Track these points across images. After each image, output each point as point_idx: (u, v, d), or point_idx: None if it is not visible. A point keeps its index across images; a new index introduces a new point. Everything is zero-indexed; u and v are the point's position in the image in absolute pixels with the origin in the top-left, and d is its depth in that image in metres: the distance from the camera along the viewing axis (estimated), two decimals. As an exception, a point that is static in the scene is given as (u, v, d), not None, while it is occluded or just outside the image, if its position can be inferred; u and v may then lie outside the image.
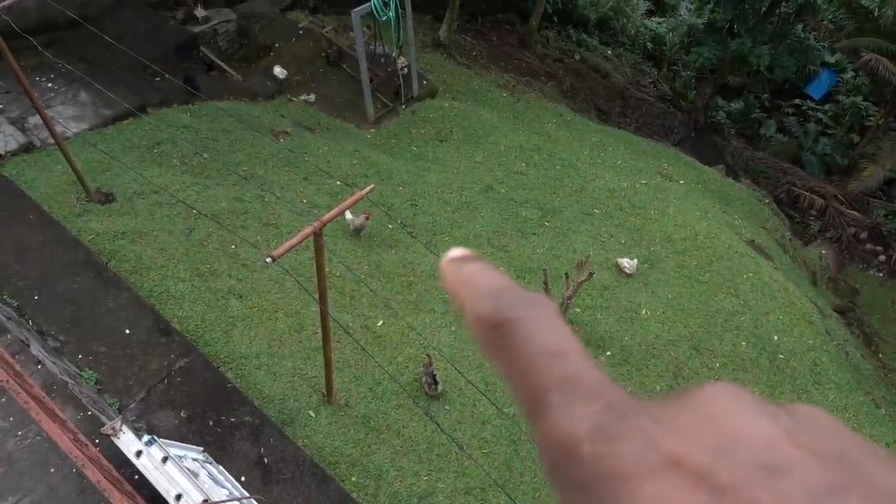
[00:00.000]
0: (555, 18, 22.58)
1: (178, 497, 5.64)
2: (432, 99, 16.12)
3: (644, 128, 20.87)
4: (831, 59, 23.47)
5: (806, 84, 24.12)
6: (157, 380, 8.01)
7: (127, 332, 8.40)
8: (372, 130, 15.11)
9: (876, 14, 19.35)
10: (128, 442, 5.95)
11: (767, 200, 18.14)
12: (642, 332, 11.18)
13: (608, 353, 10.67)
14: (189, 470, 6.01)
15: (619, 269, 12.16)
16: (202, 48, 14.93)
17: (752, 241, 14.69)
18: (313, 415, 8.39)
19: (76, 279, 8.84)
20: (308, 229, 5.87)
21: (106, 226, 9.68)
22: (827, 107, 23.41)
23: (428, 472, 8.36)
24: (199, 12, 15.19)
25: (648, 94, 23.02)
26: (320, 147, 13.23)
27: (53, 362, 7.37)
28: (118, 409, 7.59)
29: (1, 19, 7.71)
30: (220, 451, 7.51)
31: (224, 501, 6.17)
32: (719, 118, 23.21)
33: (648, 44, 25.75)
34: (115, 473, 5.77)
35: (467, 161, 14.35)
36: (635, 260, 12.21)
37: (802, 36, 19.28)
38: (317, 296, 6.88)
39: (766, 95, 24.07)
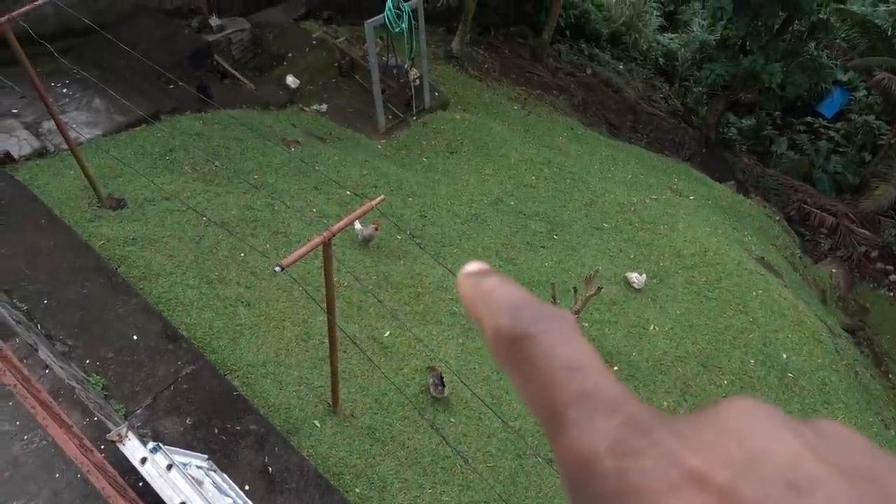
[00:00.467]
0: (567, 32, 22.64)
1: (182, 505, 5.63)
2: (444, 110, 16.17)
3: (655, 143, 20.85)
4: (844, 78, 23.42)
5: (818, 102, 24.06)
6: (163, 386, 8.02)
7: (135, 338, 8.42)
8: (383, 141, 15.15)
9: (889, 33, 19.34)
10: (133, 448, 5.95)
11: (778, 218, 18.06)
12: (650, 347, 11.13)
13: (615, 368, 10.62)
14: (193, 478, 6.00)
15: (628, 283, 12.12)
16: (216, 57, 15.03)
17: (762, 258, 14.62)
18: (319, 425, 8.37)
19: (86, 284, 8.88)
20: (317, 239, 5.87)
21: (116, 232, 9.73)
22: (839, 125, 23.33)
23: (432, 484, 8.32)
24: (214, 21, 15.31)
25: (660, 110, 23.02)
26: (331, 157, 13.27)
27: (61, 367, 7.39)
28: (124, 415, 7.60)
29: (18, 25, 7.79)
30: (224, 459, 7.50)
31: (227, 510, 6.16)
32: (731, 134, 23.16)
33: (660, 59, 25.77)
34: (120, 480, 5.77)
35: (477, 173, 14.36)
36: (644, 275, 12.17)
37: (815, 54, 19.26)
38: (324, 305, 6.88)
39: (777, 113, 24.02)
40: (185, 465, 6.21)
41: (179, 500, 5.62)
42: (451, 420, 9.12)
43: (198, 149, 11.85)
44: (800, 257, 17.08)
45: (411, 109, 15.66)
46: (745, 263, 13.33)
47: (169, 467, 5.86)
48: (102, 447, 6.44)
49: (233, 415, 7.95)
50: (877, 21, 19.80)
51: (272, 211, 11.10)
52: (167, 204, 10.37)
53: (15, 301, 8.45)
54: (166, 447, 6.16)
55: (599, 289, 10.03)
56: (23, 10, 7.76)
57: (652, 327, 11.47)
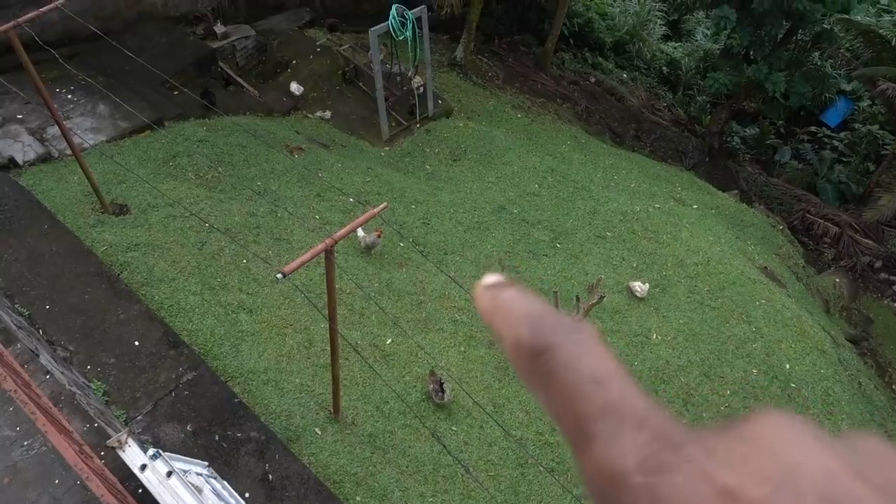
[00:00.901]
0: (571, 41, 22.67)
1: (182, 512, 5.61)
2: (447, 118, 16.19)
3: (658, 151, 20.85)
4: (848, 87, 23.39)
5: (822, 111, 24.04)
6: (164, 392, 8.01)
7: (136, 343, 8.42)
8: (386, 148, 15.17)
9: (893, 44, 19.32)
10: (133, 455, 5.93)
11: (781, 227, 18.02)
12: (652, 357, 11.09)
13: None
14: (193, 485, 5.98)
15: (631, 292, 12.10)
16: (220, 64, 15.09)
17: (765, 267, 14.59)
18: (319, 432, 8.35)
19: (88, 290, 8.88)
20: (320, 246, 5.87)
21: (119, 237, 9.74)
22: (843, 135, 23.30)
23: (433, 493, 8.29)
24: (219, 28, 15.37)
25: (663, 118, 23.02)
26: (334, 164, 13.29)
27: (62, 373, 7.39)
28: (125, 421, 7.59)
29: (24, 31, 7.82)
30: (225, 466, 7.48)
31: (227, 518, 6.14)
32: (734, 143, 23.15)
33: (664, 68, 25.79)
34: (120, 487, 5.75)
35: (480, 181, 14.37)
36: (647, 284, 12.15)
37: (819, 63, 19.25)
38: (326, 312, 6.87)
39: (781, 122, 23.98)
40: (185, 472, 6.20)
41: (179, 508, 5.61)
42: (453, 428, 9.09)
43: (201, 155, 11.88)
44: (803, 267, 17.03)
45: (415, 117, 15.69)
46: (748, 273, 13.30)
47: (169, 474, 5.84)
48: (102, 453, 6.43)
49: (233, 422, 7.93)
50: (881, 31, 19.78)
51: (275, 218, 11.11)
52: (170, 210, 10.39)
53: (17, 306, 8.46)
54: (166, 454, 6.15)
55: (602, 297, 10.01)
56: (28, 16, 7.80)
57: (654, 336, 11.44)
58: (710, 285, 12.72)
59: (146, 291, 9.12)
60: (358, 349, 8.89)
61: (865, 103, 23.60)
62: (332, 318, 6.82)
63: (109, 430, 6.80)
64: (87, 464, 5.33)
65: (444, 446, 8.32)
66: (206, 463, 7.12)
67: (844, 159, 22.47)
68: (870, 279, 18.74)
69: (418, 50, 14.30)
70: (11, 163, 10.52)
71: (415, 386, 9.38)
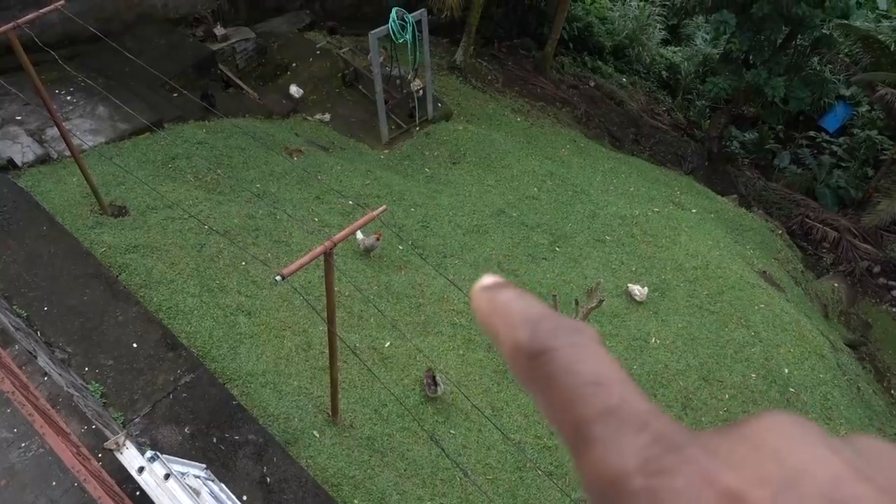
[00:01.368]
0: (570, 45, 22.70)
1: (179, 515, 5.59)
2: (447, 122, 16.20)
3: (657, 155, 20.86)
4: (846, 92, 23.44)
5: (821, 116, 24.07)
6: (162, 395, 7.99)
7: (134, 345, 8.40)
8: (385, 151, 15.17)
9: (892, 49, 19.37)
10: (130, 457, 5.92)
11: (780, 232, 18.03)
12: (651, 360, 11.09)
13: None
14: (191, 488, 5.97)
15: (630, 296, 12.10)
16: (220, 66, 15.09)
17: (764, 272, 14.60)
18: (318, 435, 8.33)
19: (86, 291, 8.87)
20: (319, 248, 5.87)
21: (118, 239, 9.73)
22: (841, 140, 23.33)
23: (431, 496, 8.27)
24: (219, 30, 15.38)
25: (662, 123, 23.05)
26: (333, 166, 13.29)
27: (60, 374, 7.37)
28: (122, 423, 7.57)
29: (24, 33, 7.82)
30: (222, 468, 7.46)
31: (225, 521, 6.12)
32: (733, 148, 23.18)
33: (663, 72, 25.83)
34: (117, 489, 5.74)
35: (479, 184, 14.38)
36: (646, 288, 12.15)
37: (818, 68, 19.30)
38: (325, 315, 6.86)
39: (780, 127, 24.01)
40: (182, 474, 6.18)
41: (176, 510, 5.59)
42: (451, 432, 9.08)
43: (201, 157, 11.87)
44: (802, 272, 17.04)
45: (414, 120, 15.70)
46: (746, 277, 13.30)
47: (166, 476, 5.83)
48: (100, 455, 6.41)
49: (231, 424, 7.92)
50: (880, 36, 19.84)
51: (274, 220, 11.11)
52: (169, 212, 10.38)
53: (15, 307, 8.45)
54: (164, 456, 6.13)
55: (601, 301, 10.01)
56: (28, 17, 7.80)
57: (653, 340, 11.44)
58: (708, 289, 12.73)
59: (145, 293, 9.11)
60: (356, 352, 8.88)
61: (864, 108, 23.65)
62: (330, 321, 6.81)
63: (107, 432, 6.78)
64: (84, 466, 5.31)
65: (443, 449, 8.31)
66: (204, 465, 7.10)
67: (843, 164, 22.50)
68: (868, 284, 18.76)
69: (418, 53, 14.31)
70: (10, 164, 10.51)
71: (413, 389, 9.37)
